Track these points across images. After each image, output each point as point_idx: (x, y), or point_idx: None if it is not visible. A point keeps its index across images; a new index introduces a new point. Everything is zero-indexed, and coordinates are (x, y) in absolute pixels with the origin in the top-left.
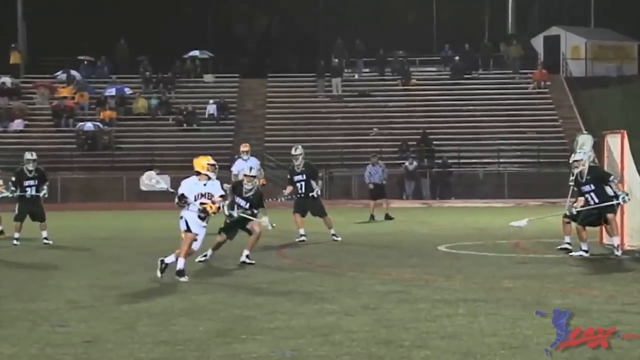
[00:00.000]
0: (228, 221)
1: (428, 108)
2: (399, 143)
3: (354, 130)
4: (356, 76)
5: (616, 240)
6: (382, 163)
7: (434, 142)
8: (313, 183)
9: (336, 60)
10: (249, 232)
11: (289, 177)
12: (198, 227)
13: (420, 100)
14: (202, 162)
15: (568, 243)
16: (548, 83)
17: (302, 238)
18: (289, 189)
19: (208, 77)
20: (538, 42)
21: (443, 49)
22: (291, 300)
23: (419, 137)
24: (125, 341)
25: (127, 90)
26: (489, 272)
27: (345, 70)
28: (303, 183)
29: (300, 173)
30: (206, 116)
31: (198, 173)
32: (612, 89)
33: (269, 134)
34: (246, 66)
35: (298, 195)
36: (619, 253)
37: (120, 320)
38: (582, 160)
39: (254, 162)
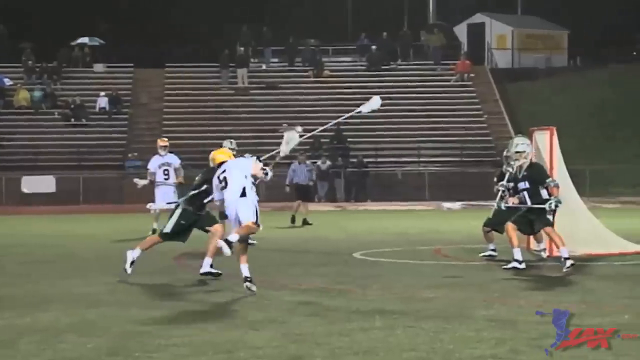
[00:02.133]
0: (183, 222)
1: (342, 102)
2: (311, 140)
3: (261, 126)
4: (263, 67)
5: (563, 252)
6: (309, 162)
7: (349, 140)
8: None
9: (242, 49)
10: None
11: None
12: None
13: (334, 93)
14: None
15: (492, 249)
16: (472, 75)
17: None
18: None
19: (98, 67)
20: (461, 31)
21: (359, 38)
22: (191, 314)
23: (332, 133)
24: None
25: (7, 81)
26: (408, 281)
27: (252, 60)
28: None
29: None
30: (96, 110)
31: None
32: (540, 82)
33: (166, 130)
34: (141, 55)
35: None
36: (569, 264)
37: None
38: (525, 152)
39: (173, 158)
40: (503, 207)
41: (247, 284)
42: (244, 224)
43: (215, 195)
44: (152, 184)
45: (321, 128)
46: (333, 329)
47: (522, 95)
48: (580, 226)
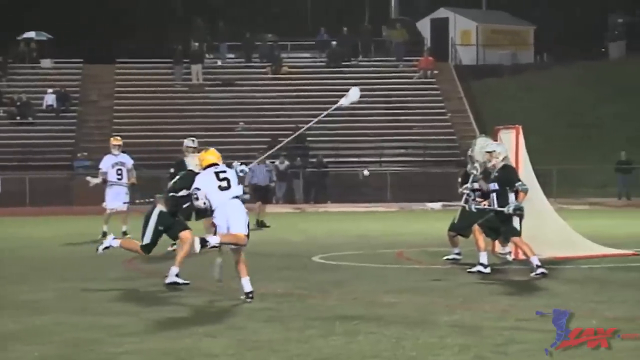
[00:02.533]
0: (161, 228)
1: (301, 99)
2: (268, 139)
3: (216, 125)
4: (219, 62)
5: (534, 261)
6: (268, 162)
7: (308, 139)
8: None
9: (196, 44)
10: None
11: (173, 172)
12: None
13: (293, 90)
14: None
15: (457, 253)
16: (435, 72)
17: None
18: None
19: (46, 63)
20: (424, 26)
21: (319, 33)
22: (144, 320)
23: (290, 132)
24: None
25: None
26: (369, 285)
27: (207, 56)
28: None
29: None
30: (44, 107)
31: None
32: (506, 79)
33: (117, 129)
34: (90, 50)
35: None
36: (539, 271)
37: None
38: (495, 152)
39: (126, 158)
40: (474, 209)
41: (248, 299)
42: (234, 232)
43: (199, 195)
44: (105, 183)
45: (306, 126)
46: (291, 336)
47: (487, 93)
48: (547, 228)
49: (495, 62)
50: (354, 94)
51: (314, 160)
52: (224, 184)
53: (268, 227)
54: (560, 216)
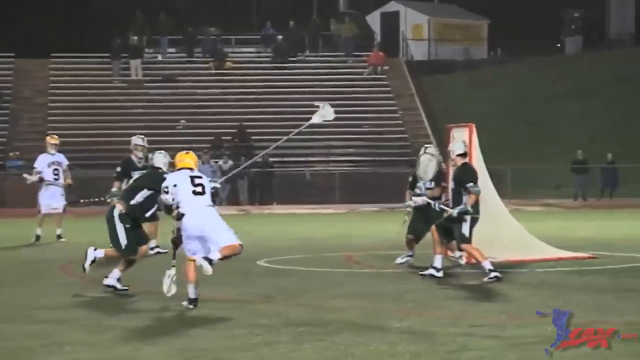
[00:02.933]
0: (128, 225)
1: (246, 96)
2: (211, 138)
3: (156, 123)
4: (160, 57)
5: (486, 265)
6: (213, 162)
7: (253, 137)
8: None
9: (135, 38)
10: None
11: (119, 171)
12: None
13: (237, 87)
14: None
15: (409, 255)
16: (385, 68)
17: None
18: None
19: None
20: (374, 20)
21: (264, 27)
22: (79, 328)
23: (234, 130)
24: None
25: None
26: (316, 290)
27: (147, 50)
28: None
29: (142, 168)
30: None
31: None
32: (459, 75)
33: (52, 127)
34: (23, 43)
35: None
36: (493, 275)
37: None
38: (452, 151)
39: (62, 157)
40: (437, 208)
41: (191, 306)
42: (226, 244)
43: (170, 191)
44: (42, 181)
45: (274, 145)
46: (235, 344)
47: (439, 90)
48: (501, 230)
49: (447, 58)
50: (327, 112)
51: (260, 159)
52: (199, 189)
53: None
54: (514, 218)
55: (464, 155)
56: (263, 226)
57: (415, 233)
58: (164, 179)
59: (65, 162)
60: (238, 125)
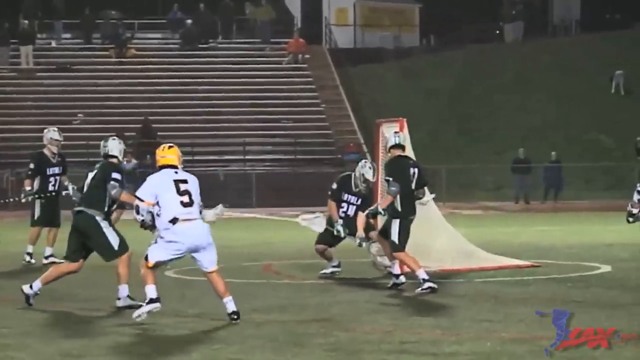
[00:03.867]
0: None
1: (151, 87)
2: (113, 134)
3: (51, 117)
4: (53, 44)
5: (421, 275)
6: (134, 160)
7: (160, 133)
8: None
9: (25, 22)
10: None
11: (33, 168)
12: None
13: (141, 77)
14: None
15: (335, 265)
16: (307, 56)
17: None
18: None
19: None
20: (294, 3)
21: (171, 11)
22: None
23: (139, 126)
24: None
25: None
26: None
27: (39, 36)
28: (58, 178)
29: (57, 165)
30: None
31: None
32: (388, 65)
33: None
34: None
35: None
36: (427, 286)
37: None
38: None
39: None
40: (383, 214)
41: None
42: (212, 269)
43: (141, 209)
44: None
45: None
46: None
47: (366, 81)
48: (435, 237)
49: (375, 45)
50: (219, 211)
51: None
52: (186, 199)
53: None
54: (450, 222)
55: (397, 147)
56: None
57: (326, 242)
58: (122, 169)
59: None
60: (143, 120)
